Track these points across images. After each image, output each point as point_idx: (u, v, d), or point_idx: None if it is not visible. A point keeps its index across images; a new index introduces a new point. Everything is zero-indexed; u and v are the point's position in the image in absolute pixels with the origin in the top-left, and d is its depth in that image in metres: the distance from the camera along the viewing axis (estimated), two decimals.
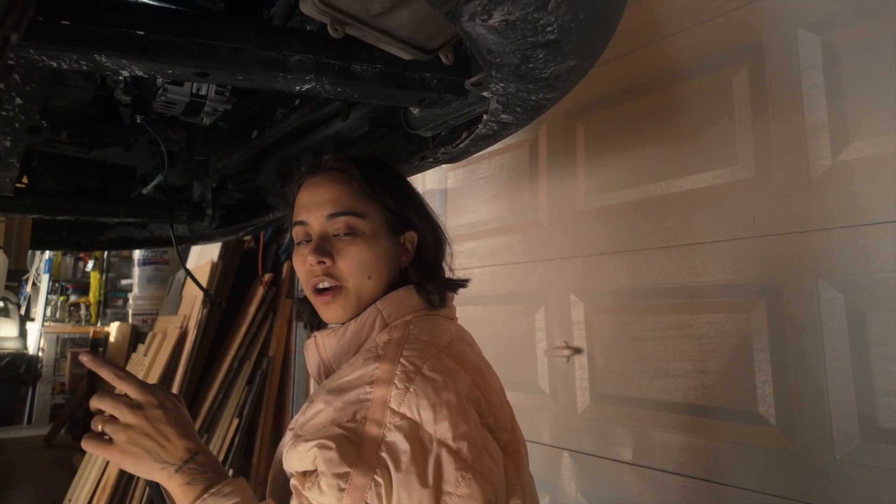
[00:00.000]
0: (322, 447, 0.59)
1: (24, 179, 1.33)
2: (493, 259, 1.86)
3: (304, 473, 0.61)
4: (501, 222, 1.86)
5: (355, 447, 0.58)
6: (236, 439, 2.70)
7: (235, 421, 2.71)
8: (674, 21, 1.44)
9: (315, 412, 0.64)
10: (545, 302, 1.69)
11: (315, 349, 0.78)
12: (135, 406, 0.66)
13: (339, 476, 0.57)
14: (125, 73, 0.69)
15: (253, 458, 2.80)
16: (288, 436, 0.69)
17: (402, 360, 0.64)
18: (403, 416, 0.60)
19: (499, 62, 0.61)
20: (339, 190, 0.75)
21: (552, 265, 1.68)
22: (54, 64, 0.63)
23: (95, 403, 0.67)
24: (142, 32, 0.64)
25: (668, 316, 1.38)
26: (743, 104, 1.29)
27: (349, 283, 0.74)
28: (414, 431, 0.59)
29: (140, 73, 0.68)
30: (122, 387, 0.68)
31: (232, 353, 2.75)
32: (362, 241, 0.74)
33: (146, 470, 0.66)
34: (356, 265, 0.73)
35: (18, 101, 0.76)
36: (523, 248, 1.78)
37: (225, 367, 2.73)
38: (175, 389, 2.67)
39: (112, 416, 0.67)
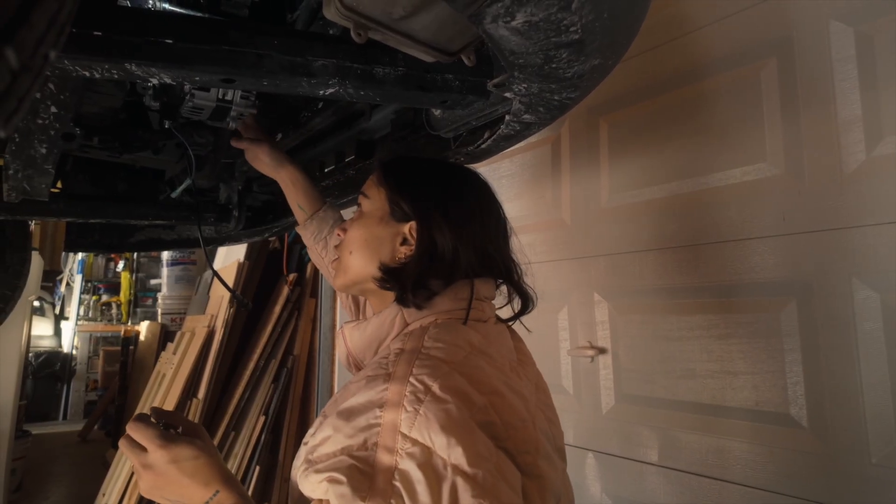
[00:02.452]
0: (333, 481, 0.57)
1: (59, 184, 1.37)
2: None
3: (321, 501, 0.60)
4: (523, 221, 1.85)
5: (368, 478, 0.56)
6: (262, 437, 2.74)
7: (262, 419, 2.76)
8: (699, 15, 1.42)
9: (324, 438, 0.62)
10: (568, 301, 1.68)
11: (343, 341, 0.81)
12: (147, 465, 0.69)
13: None
14: (154, 81, 0.70)
15: (279, 454, 2.85)
16: (302, 452, 0.68)
17: (411, 380, 0.61)
18: (415, 442, 0.57)
19: (521, 63, 0.61)
20: (371, 179, 0.85)
21: (575, 264, 1.67)
22: (87, 73, 0.65)
23: (121, 445, 0.72)
24: (170, 41, 0.65)
25: (695, 315, 1.36)
26: (772, 98, 1.26)
27: (341, 256, 0.83)
28: (427, 458, 0.57)
29: (168, 81, 0.70)
30: (136, 434, 0.70)
31: (258, 351, 2.80)
32: (359, 217, 0.82)
33: None
34: (347, 239, 0.82)
35: (53, 109, 0.78)
36: (546, 247, 1.77)
37: (251, 365, 2.78)
38: (203, 388, 2.73)
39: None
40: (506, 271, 0.82)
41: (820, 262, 1.17)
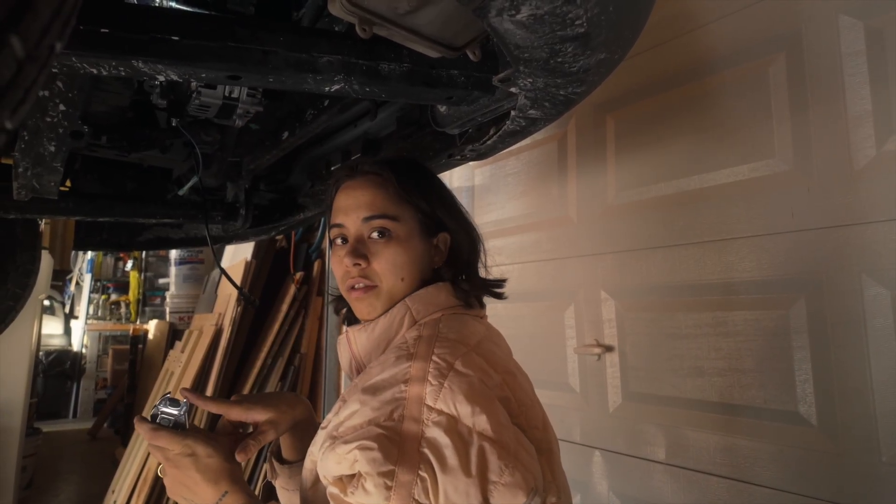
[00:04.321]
0: (363, 448, 0.58)
1: (68, 183, 1.38)
2: (522, 256, 1.85)
3: (342, 479, 0.61)
4: (530, 219, 1.85)
5: (396, 445, 0.59)
6: None
7: None
8: (707, 11, 1.41)
9: (350, 413, 0.64)
10: (575, 299, 1.67)
11: (346, 344, 0.80)
12: (168, 458, 0.71)
13: (384, 475, 0.57)
14: (161, 78, 0.70)
15: None
16: (320, 435, 0.69)
17: (434, 358, 0.65)
18: (441, 412, 0.60)
19: (527, 57, 0.61)
20: (375, 193, 0.77)
21: (582, 262, 1.66)
22: (94, 70, 0.65)
23: (150, 449, 0.74)
24: (176, 38, 0.66)
25: (703, 313, 1.35)
26: (780, 94, 1.25)
27: (382, 284, 0.75)
28: (452, 426, 0.59)
29: (175, 78, 0.70)
30: (156, 442, 0.71)
31: (265, 349, 2.81)
32: (396, 243, 0.75)
33: None
34: (390, 267, 0.75)
35: (62, 107, 0.79)
36: (552, 245, 1.76)
37: (259, 363, 2.79)
38: (211, 385, 2.74)
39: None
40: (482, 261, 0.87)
41: (829, 258, 1.16)
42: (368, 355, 0.77)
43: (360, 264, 0.75)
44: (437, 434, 0.59)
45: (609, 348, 1.55)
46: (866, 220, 1.11)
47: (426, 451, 0.58)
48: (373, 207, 0.76)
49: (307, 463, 0.72)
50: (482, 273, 0.84)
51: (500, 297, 0.83)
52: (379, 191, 0.77)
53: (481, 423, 0.59)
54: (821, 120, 1.19)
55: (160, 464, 0.73)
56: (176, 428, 0.73)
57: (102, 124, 1.14)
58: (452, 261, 0.80)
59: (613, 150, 1.61)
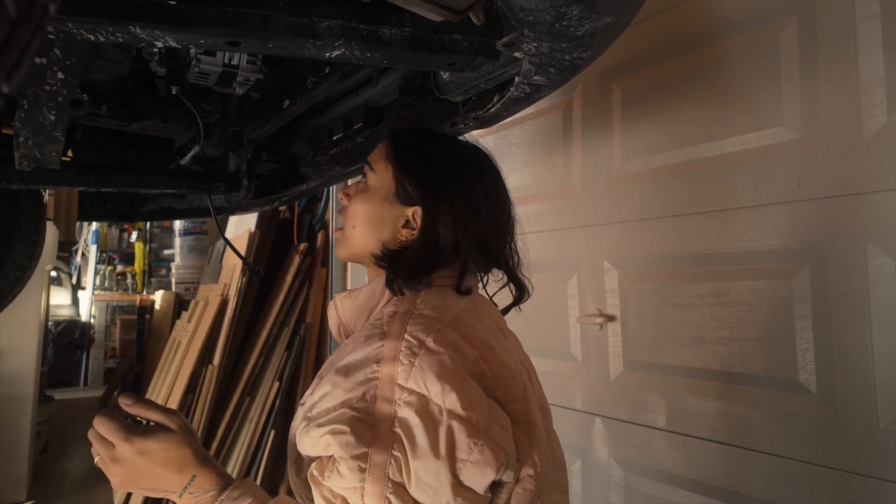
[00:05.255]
0: (336, 433, 0.59)
1: (69, 153, 1.38)
2: (525, 226, 1.83)
3: (321, 459, 0.61)
4: (534, 189, 1.84)
5: (369, 427, 0.59)
6: (277, 402, 2.81)
7: (276, 384, 2.82)
8: None
9: (323, 394, 0.64)
10: (578, 269, 1.67)
11: (335, 310, 0.82)
12: (115, 458, 0.68)
13: (358, 457, 0.57)
14: (159, 44, 0.69)
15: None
16: (300, 412, 0.69)
17: (405, 336, 0.64)
18: (412, 392, 0.60)
19: (531, 20, 0.59)
20: (378, 149, 0.83)
21: (586, 232, 1.66)
22: (92, 37, 0.64)
23: (91, 438, 0.70)
24: (174, 2, 0.64)
25: (706, 283, 1.35)
26: (791, 60, 1.23)
27: (345, 228, 0.82)
28: (423, 405, 0.59)
29: (173, 44, 0.69)
30: (105, 435, 0.68)
31: (271, 319, 2.84)
32: (363, 190, 0.82)
33: (150, 494, 0.70)
34: (350, 211, 0.82)
35: (60, 75, 0.78)
36: (556, 216, 1.75)
37: (265, 333, 2.83)
38: (217, 355, 2.79)
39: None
40: (503, 264, 0.83)
41: (835, 228, 1.15)
42: (354, 322, 0.79)
43: (343, 200, 0.83)
44: (408, 414, 0.59)
45: (611, 318, 1.56)
46: (874, 189, 1.10)
47: (399, 430, 0.58)
48: (370, 157, 0.84)
49: (291, 437, 0.72)
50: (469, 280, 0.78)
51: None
52: (381, 147, 0.83)
53: (451, 401, 0.59)
54: (832, 86, 1.16)
55: (98, 462, 0.69)
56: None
57: (102, 93, 1.13)
58: (421, 246, 0.75)
59: (619, 119, 1.59)
